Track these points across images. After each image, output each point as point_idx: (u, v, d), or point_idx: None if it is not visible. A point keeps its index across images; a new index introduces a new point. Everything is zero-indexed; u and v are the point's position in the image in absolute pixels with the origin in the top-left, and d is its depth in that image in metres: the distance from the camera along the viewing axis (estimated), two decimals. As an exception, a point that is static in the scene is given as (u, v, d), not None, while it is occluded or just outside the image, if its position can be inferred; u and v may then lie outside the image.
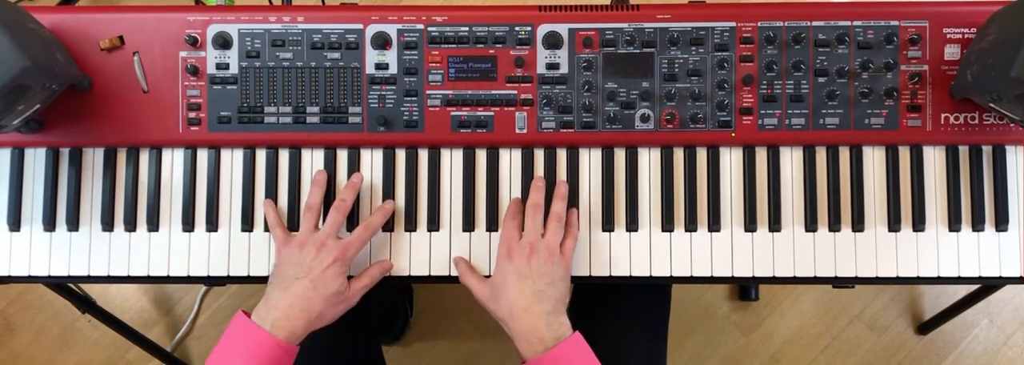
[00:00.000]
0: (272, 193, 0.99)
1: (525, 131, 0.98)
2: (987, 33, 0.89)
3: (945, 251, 0.97)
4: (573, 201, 0.98)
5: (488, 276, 0.94)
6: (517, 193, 0.99)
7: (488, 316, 0.93)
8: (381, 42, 0.97)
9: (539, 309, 0.87)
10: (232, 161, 1.00)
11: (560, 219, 0.93)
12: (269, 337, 0.85)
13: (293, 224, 0.99)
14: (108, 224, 0.99)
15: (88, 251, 1.00)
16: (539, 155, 0.99)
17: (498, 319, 0.90)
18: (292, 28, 0.98)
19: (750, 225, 0.97)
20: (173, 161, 1.00)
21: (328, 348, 1.11)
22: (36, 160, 1.00)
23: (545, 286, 0.88)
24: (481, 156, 1.00)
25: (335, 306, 0.91)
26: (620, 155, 0.99)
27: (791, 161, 0.98)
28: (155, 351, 1.66)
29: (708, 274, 0.98)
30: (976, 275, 0.97)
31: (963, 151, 0.98)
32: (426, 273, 0.99)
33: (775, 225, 0.97)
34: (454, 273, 0.98)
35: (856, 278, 0.97)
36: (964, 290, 1.61)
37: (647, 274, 0.98)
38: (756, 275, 0.98)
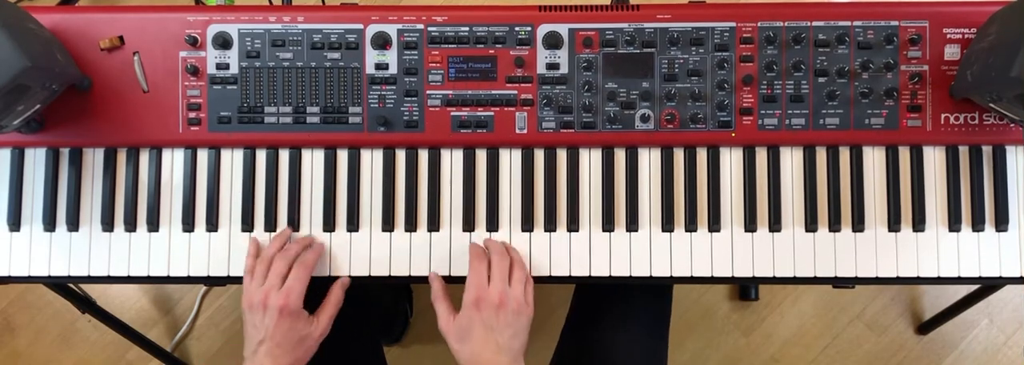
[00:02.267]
0: (272, 193, 0.99)
1: (525, 131, 0.98)
2: (987, 33, 0.89)
3: (945, 251, 0.97)
4: (573, 201, 0.98)
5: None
6: (517, 194, 0.99)
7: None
8: (381, 42, 0.97)
9: (502, 360, 0.89)
10: (232, 161, 1.00)
11: (522, 266, 0.95)
12: None
13: (293, 225, 0.99)
14: (108, 224, 0.99)
15: (88, 251, 0.99)
16: (539, 155, 0.99)
17: (457, 359, 0.92)
18: (292, 28, 0.98)
19: (750, 225, 0.97)
20: (173, 161, 1.00)
21: (328, 349, 1.11)
22: (36, 160, 1.00)
23: (509, 338, 0.90)
24: (481, 156, 0.99)
25: (308, 349, 0.95)
26: (620, 155, 0.99)
27: (791, 161, 0.98)
28: (155, 351, 1.66)
29: (708, 274, 0.98)
30: (976, 275, 0.97)
31: (963, 151, 0.98)
32: (426, 273, 0.99)
33: (775, 225, 0.97)
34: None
35: (856, 278, 0.97)
36: (964, 290, 1.61)
37: (647, 274, 0.98)
38: (756, 275, 0.98)
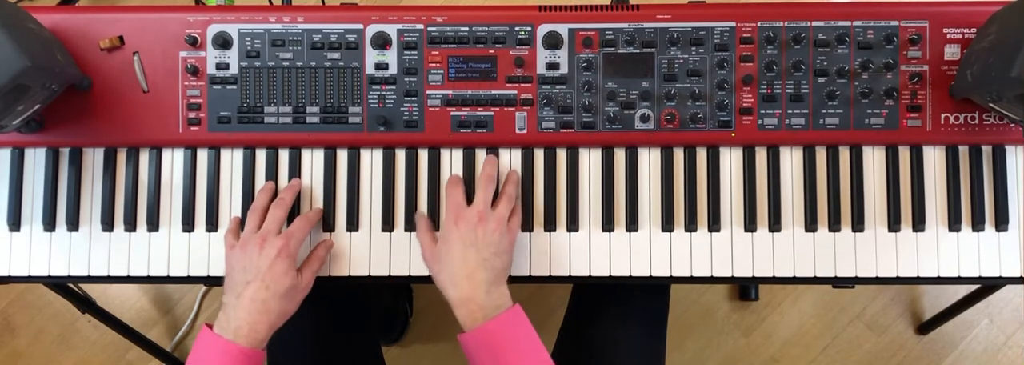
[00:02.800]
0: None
1: (525, 131, 0.98)
2: (987, 33, 0.89)
3: (945, 251, 0.97)
4: (573, 201, 0.98)
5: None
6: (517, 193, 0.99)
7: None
8: (381, 42, 0.97)
9: (480, 277, 0.87)
10: (232, 161, 1.00)
11: (511, 199, 0.94)
12: (233, 346, 0.85)
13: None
14: (108, 224, 0.99)
15: (88, 251, 1.00)
16: (539, 155, 0.99)
17: (438, 284, 0.90)
18: (292, 28, 0.98)
19: (750, 225, 0.97)
20: (173, 161, 1.00)
21: (328, 349, 1.11)
22: (36, 160, 1.00)
23: (490, 255, 0.88)
24: (481, 156, 0.99)
25: (292, 300, 0.90)
26: (620, 155, 0.99)
27: (791, 161, 0.98)
28: (155, 351, 1.66)
29: (708, 274, 0.98)
30: (976, 275, 0.97)
31: (963, 151, 0.98)
32: (426, 273, 0.98)
33: (775, 225, 0.97)
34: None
35: (856, 278, 0.97)
36: (964, 290, 1.61)
37: (647, 274, 0.98)
38: (756, 275, 0.98)
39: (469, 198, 0.95)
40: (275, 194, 0.97)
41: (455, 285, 0.87)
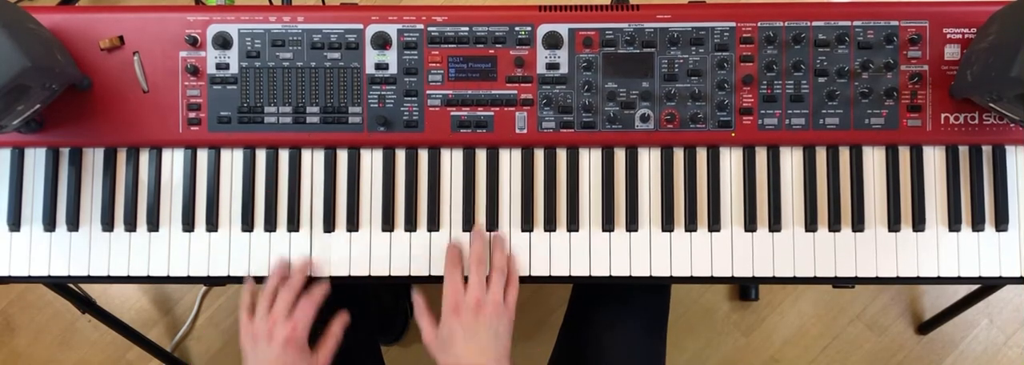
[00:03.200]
0: (272, 193, 0.99)
1: (525, 131, 0.98)
2: (987, 33, 0.89)
3: (945, 251, 0.97)
4: (573, 201, 0.98)
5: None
6: (517, 193, 0.99)
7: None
8: (381, 42, 0.97)
9: (483, 361, 0.89)
10: (232, 161, 1.00)
11: (502, 271, 0.94)
12: None
13: (292, 224, 0.99)
14: (108, 224, 0.99)
15: (88, 251, 1.00)
16: (539, 155, 0.99)
17: None
18: (292, 28, 0.98)
19: (750, 225, 0.97)
20: (173, 161, 1.00)
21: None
22: (36, 160, 1.00)
23: (489, 341, 0.90)
24: (481, 156, 1.00)
25: None
26: (620, 155, 0.99)
27: (791, 161, 0.98)
28: (155, 351, 1.66)
29: (708, 274, 0.98)
30: (976, 275, 0.97)
31: (963, 151, 0.98)
32: (426, 273, 0.99)
33: (775, 225, 0.97)
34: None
35: (856, 278, 0.97)
36: (964, 290, 1.61)
37: (647, 274, 0.98)
38: (756, 275, 0.98)
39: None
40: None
41: None
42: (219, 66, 0.97)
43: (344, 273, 0.99)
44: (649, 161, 0.99)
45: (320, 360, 0.94)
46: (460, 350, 0.90)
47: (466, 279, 0.94)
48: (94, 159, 1.00)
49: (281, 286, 0.95)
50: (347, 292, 1.17)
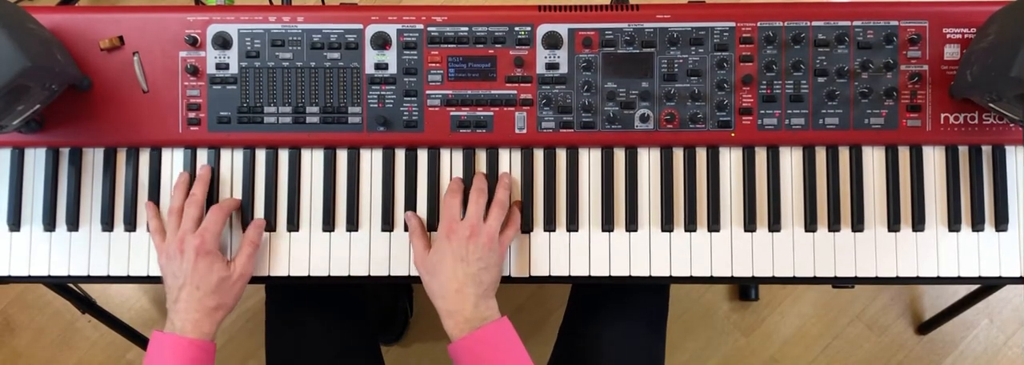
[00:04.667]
0: (272, 193, 0.99)
1: (525, 131, 0.98)
2: (987, 33, 0.89)
3: (945, 251, 0.97)
4: (573, 201, 0.98)
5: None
6: (517, 194, 0.99)
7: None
8: (381, 42, 0.97)
9: (470, 291, 0.89)
10: (232, 161, 1.00)
11: (503, 206, 0.95)
12: (182, 339, 0.89)
13: (292, 224, 0.99)
14: (108, 224, 0.99)
15: (88, 251, 1.00)
16: (539, 155, 0.99)
17: (427, 291, 0.92)
18: (292, 28, 0.98)
19: (750, 225, 0.97)
20: (173, 161, 1.00)
21: (326, 348, 1.11)
22: (36, 160, 1.00)
23: (479, 270, 0.90)
24: (481, 156, 1.00)
25: (229, 291, 0.93)
26: (620, 155, 0.99)
27: (791, 161, 0.98)
28: (155, 351, 1.66)
29: (708, 274, 0.98)
30: (976, 275, 0.97)
31: (963, 151, 0.98)
32: (426, 273, 0.98)
33: (775, 225, 0.97)
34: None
35: (856, 278, 0.97)
36: (964, 290, 1.61)
37: (647, 274, 0.98)
38: (756, 275, 0.98)
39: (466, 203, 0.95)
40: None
41: (444, 297, 0.90)
42: (219, 66, 0.98)
43: (344, 273, 0.99)
44: (649, 161, 0.99)
45: (239, 263, 0.94)
46: (448, 275, 0.90)
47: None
48: (94, 159, 1.00)
49: (186, 203, 0.95)
50: (347, 292, 1.17)
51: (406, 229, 0.98)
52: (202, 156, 1.00)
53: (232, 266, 0.94)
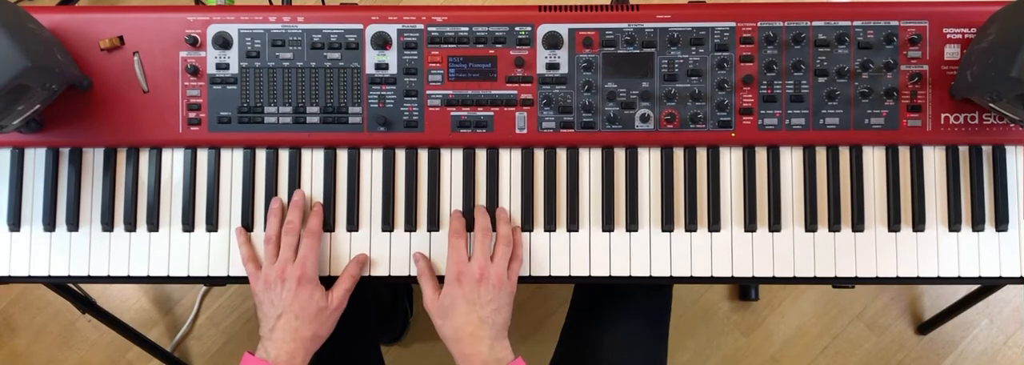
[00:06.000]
0: (272, 193, 0.99)
1: (525, 131, 0.98)
2: (987, 33, 0.89)
3: (945, 251, 0.97)
4: (573, 201, 0.98)
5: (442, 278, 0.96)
6: (517, 194, 0.99)
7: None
8: (381, 42, 0.97)
9: (484, 334, 0.90)
10: (232, 161, 1.00)
11: (508, 242, 0.95)
12: None
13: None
14: (108, 224, 0.99)
15: (88, 251, 0.99)
16: (539, 155, 0.99)
17: (442, 337, 0.93)
18: (292, 28, 0.98)
19: (750, 225, 0.97)
20: (173, 161, 1.00)
21: (326, 348, 1.10)
22: (36, 160, 1.00)
23: (491, 312, 0.91)
24: (481, 156, 1.00)
25: (325, 322, 0.94)
26: (620, 155, 0.99)
27: (791, 161, 0.98)
28: (155, 351, 1.66)
29: (708, 274, 0.98)
30: (976, 275, 0.97)
31: (963, 151, 0.98)
32: (426, 273, 0.98)
33: (775, 225, 0.97)
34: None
35: (856, 278, 0.97)
36: (964, 290, 1.61)
37: (647, 274, 0.98)
38: (756, 275, 0.98)
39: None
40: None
41: (458, 341, 0.90)
42: (219, 66, 0.97)
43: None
44: (649, 161, 0.99)
45: (337, 295, 0.95)
46: (461, 320, 0.90)
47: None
48: (94, 159, 1.00)
49: (284, 230, 0.95)
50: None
51: (407, 229, 0.98)
52: (202, 156, 1.00)
53: (330, 297, 0.94)
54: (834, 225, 0.97)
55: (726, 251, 0.98)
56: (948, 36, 0.96)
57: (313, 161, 1.00)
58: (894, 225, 0.97)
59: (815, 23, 0.96)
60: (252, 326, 1.76)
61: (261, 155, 1.00)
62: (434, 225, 0.99)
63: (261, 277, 0.94)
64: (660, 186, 0.99)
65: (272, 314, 0.92)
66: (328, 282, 0.98)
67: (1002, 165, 0.97)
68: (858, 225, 0.97)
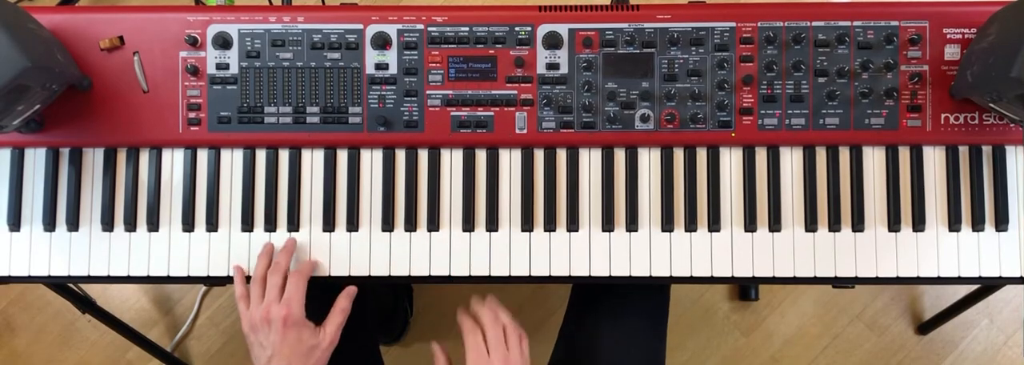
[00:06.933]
0: (272, 193, 0.99)
1: (525, 131, 0.98)
2: (987, 33, 0.89)
3: (945, 251, 0.97)
4: (573, 201, 0.98)
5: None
6: (517, 194, 0.99)
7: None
8: (381, 42, 0.97)
9: None
10: (232, 161, 1.00)
11: (517, 330, 0.95)
12: None
13: (292, 224, 0.99)
14: (108, 224, 0.99)
15: (88, 251, 1.00)
16: (539, 155, 0.99)
17: None
18: (292, 28, 0.98)
19: (750, 225, 0.97)
20: (173, 161, 1.00)
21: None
22: (36, 160, 1.00)
23: None
24: (481, 156, 1.00)
25: (319, 360, 0.94)
26: (620, 155, 0.99)
27: (791, 161, 0.98)
28: (155, 351, 1.66)
29: (708, 274, 0.98)
30: (976, 275, 0.97)
31: (963, 151, 0.98)
32: (426, 273, 0.99)
33: (775, 225, 0.97)
34: (454, 273, 0.98)
35: (856, 278, 0.97)
36: (964, 290, 1.61)
37: (647, 274, 0.98)
38: (756, 275, 0.98)
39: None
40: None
41: None
42: (219, 66, 0.97)
43: (344, 273, 0.99)
44: (649, 161, 0.99)
45: (328, 332, 0.94)
46: None
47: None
48: (94, 159, 1.00)
49: (270, 271, 0.95)
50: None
51: (407, 229, 0.98)
52: (202, 156, 1.00)
53: (322, 333, 0.94)
54: (834, 225, 0.97)
55: (726, 251, 0.98)
56: (948, 36, 0.96)
57: (313, 161, 1.00)
58: (894, 225, 0.97)
59: (815, 23, 0.96)
60: (252, 326, 1.76)
61: (261, 155, 1.00)
62: (434, 225, 0.99)
63: (247, 319, 0.94)
64: (660, 186, 0.99)
65: (263, 356, 0.92)
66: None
67: (1002, 165, 0.97)
68: (858, 225, 0.97)
